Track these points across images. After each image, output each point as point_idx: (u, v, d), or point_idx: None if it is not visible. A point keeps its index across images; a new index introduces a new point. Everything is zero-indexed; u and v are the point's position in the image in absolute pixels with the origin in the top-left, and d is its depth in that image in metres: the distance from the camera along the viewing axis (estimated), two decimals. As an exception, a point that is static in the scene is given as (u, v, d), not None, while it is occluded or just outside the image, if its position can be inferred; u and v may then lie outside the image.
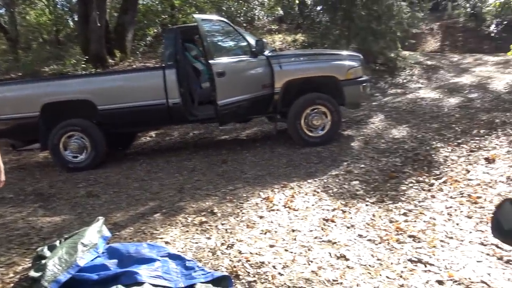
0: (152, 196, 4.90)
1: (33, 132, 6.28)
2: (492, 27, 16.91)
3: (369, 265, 3.07)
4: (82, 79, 7.17)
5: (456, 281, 2.81)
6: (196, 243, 3.47)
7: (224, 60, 5.92)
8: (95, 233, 3.24)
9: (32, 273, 2.83)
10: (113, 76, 6.97)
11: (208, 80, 6.13)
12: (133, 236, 3.72)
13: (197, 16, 5.84)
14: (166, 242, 3.48)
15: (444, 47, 17.74)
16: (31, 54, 14.23)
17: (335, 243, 3.40)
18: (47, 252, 3.14)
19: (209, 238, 3.55)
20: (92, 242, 3.12)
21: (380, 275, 2.92)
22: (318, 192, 4.53)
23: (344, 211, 4.03)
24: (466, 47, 17.23)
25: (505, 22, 15.23)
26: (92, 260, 2.98)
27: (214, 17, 7.01)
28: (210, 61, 5.76)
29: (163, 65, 6.37)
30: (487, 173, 4.91)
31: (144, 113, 6.18)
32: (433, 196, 4.38)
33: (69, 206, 4.87)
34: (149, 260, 2.95)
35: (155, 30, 15.22)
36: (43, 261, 2.90)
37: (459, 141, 5.91)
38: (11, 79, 11.24)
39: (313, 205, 4.20)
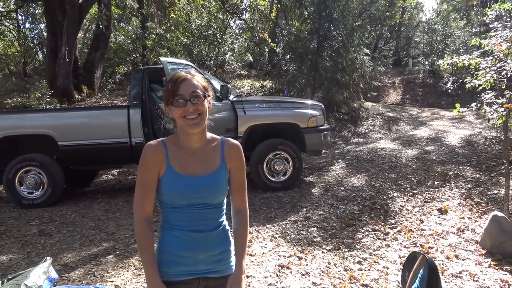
0: (107, 236, 4.77)
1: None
2: (449, 84, 17.94)
3: (321, 314, 3.07)
4: (44, 113, 7.04)
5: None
6: (148, 287, 3.38)
7: (187, 102, 5.99)
8: (41, 274, 3.09)
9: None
10: (77, 112, 6.90)
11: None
12: (83, 278, 3.59)
13: (163, 58, 5.94)
14: (116, 286, 3.38)
15: (405, 100, 18.62)
16: (-4, 85, 13.96)
17: (288, 290, 3.40)
18: (-13, 294, 2.98)
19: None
20: (36, 284, 2.97)
21: (331, 324, 2.93)
22: (276, 238, 4.54)
23: (300, 258, 4.05)
24: (425, 101, 18.16)
25: (460, 80, 16.18)
26: (35, 303, 2.84)
27: (180, 60, 7.14)
28: None
29: (128, 104, 6.40)
30: (439, 223, 5.10)
31: (106, 151, 6.12)
32: (387, 245, 4.48)
33: (18, 244, 4.67)
34: (94, 304, 2.85)
35: (125, 69, 15.30)
36: (-18, 303, 2.75)
37: (415, 191, 6.12)
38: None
39: (270, 250, 4.20)
